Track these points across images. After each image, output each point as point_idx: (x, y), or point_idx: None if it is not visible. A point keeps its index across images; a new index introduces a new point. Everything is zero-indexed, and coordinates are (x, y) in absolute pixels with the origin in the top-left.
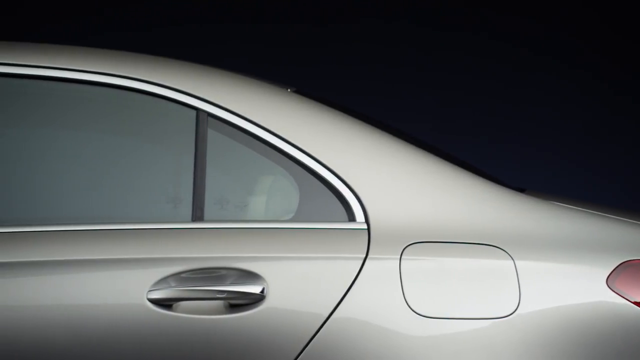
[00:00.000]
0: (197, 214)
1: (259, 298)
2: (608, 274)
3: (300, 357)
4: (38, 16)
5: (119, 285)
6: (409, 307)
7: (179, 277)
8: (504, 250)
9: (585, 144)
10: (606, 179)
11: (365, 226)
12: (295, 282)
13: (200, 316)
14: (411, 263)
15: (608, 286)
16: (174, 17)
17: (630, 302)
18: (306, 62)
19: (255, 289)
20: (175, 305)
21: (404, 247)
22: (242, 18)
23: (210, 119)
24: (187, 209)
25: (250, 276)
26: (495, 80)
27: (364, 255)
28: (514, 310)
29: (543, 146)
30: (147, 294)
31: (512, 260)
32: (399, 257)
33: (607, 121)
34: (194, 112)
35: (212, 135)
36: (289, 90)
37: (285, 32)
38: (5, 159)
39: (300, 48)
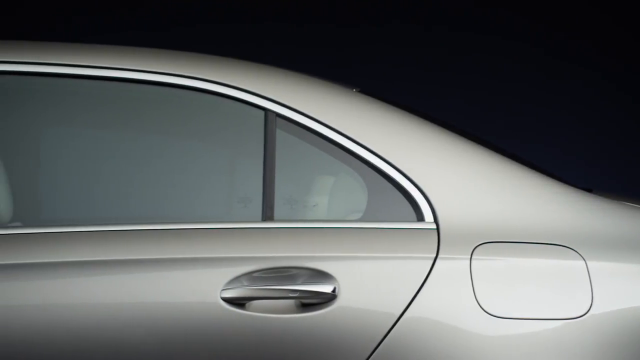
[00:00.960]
0: (268, 214)
1: (330, 297)
2: None
3: (372, 356)
4: (37, 17)
5: (193, 284)
6: (481, 307)
7: (251, 277)
8: (575, 251)
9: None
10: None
11: (434, 226)
12: (366, 281)
13: (273, 315)
14: (482, 263)
15: None
16: (184, 17)
17: None
18: (335, 63)
19: (326, 288)
20: (248, 304)
21: (474, 247)
22: (276, 18)
23: (278, 119)
24: (257, 208)
25: (322, 275)
26: (517, 81)
27: (434, 255)
28: (586, 311)
29: (556, 147)
30: (220, 292)
31: (583, 261)
32: (469, 257)
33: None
34: (262, 113)
35: (281, 136)
36: (354, 90)
37: (315, 32)
38: (83, 161)
39: (328, 48)
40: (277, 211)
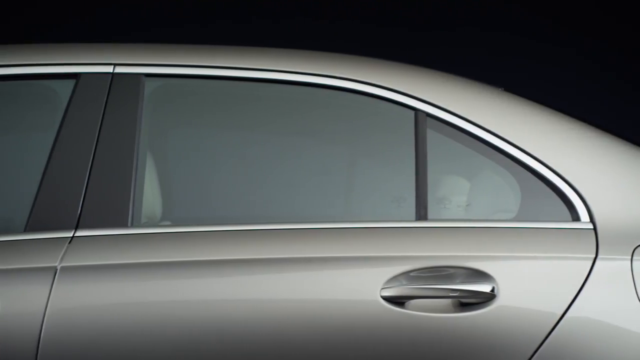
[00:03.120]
0: (421, 213)
1: (489, 297)
2: None
3: (535, 356)
4: (36, 18)
5: (354, 282)
6: None
7: (408, 276)
8: None
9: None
10: None
11: (590, 226)
12: (525, 281)
13: (432, 314)
14: None
15: None
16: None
17: None
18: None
19: (485, 287)
20: (407, 302)
21: (635, 247)
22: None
23: (429, 119)
24: (410, 208)
25: (480, 275)
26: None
27: (594, 256)
28: None
29: None
30: (380, 291)
31: None
32: (630, 257)
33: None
34: (412, 113)
35: (431, 135)
36: (501, 89)
37: (388, 35)
38: (236, 161)
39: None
40: (431, 210)
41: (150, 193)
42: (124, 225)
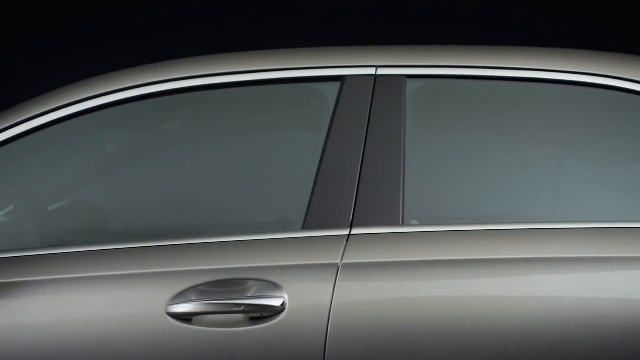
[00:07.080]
0: None
1: None
2: None
3: None
4: (35, 22)
5: (630, 284)
6: None
7: None
8: None
9: None
10: None
11: None
12: None
13: None
14: None
15: None
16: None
17: None
18: None
19: None
20: None
21: None
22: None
23: None
24: None
25: None
26: None
27: None
28: None
29: None
30: None
31: None
32: None
33: None
34: None
35: None
36: None
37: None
38: (479, 160)
39: None
40: None
41: None
42: (396, 223)
